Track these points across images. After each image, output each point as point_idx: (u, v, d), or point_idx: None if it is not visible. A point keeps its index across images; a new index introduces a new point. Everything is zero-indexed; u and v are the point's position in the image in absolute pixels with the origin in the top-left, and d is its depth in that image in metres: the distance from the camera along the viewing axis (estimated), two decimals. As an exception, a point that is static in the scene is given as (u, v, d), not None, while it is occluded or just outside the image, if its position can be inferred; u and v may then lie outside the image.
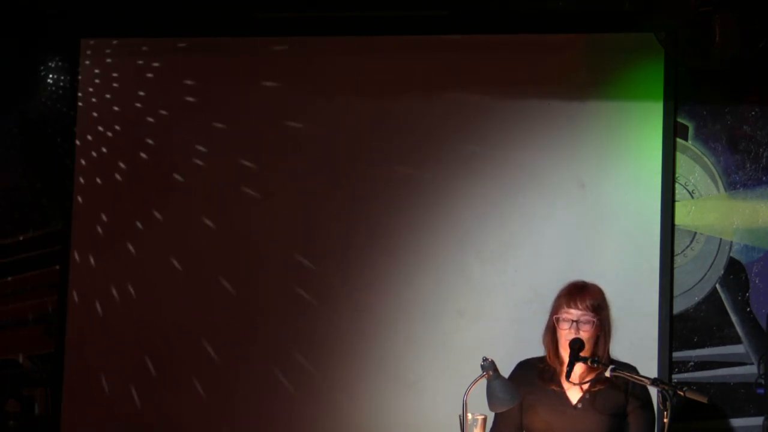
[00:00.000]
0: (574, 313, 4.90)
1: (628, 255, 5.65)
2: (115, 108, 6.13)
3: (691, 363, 5.64)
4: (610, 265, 5.63)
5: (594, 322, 4.89)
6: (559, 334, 4.94)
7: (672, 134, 5.68)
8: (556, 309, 4.96)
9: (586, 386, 4.95)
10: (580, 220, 5.71)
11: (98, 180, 6.12)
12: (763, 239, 5.62)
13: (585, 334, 4.87)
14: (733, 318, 5.63)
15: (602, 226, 5.69)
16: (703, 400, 4.73)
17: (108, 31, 6.14)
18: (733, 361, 5.61)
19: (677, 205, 5.68)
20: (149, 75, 6.11)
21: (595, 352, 4.89)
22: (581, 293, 4.93)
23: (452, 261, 5.80)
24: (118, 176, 6.11)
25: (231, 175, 6.00)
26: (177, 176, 6.05)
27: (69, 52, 6.19)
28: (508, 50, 5.82)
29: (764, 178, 5.65)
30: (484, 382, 4.83)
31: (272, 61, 6.01)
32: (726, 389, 5.60)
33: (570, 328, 4.89)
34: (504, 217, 5.77)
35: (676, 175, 5.69)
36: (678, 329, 5.64)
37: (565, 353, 4.93)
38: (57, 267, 6.15)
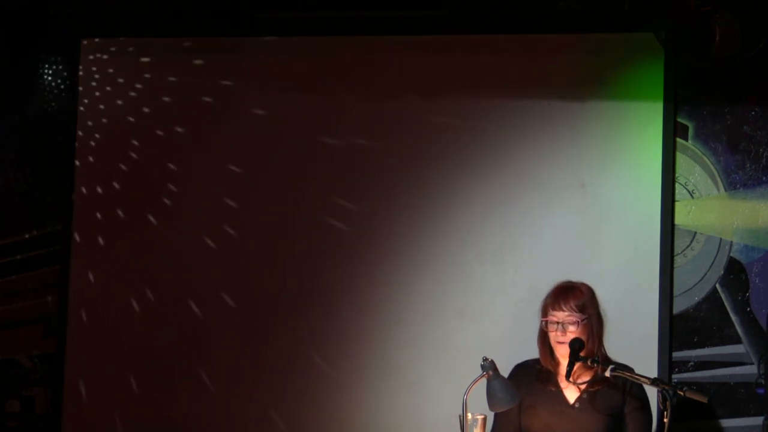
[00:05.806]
0: (559, 315, 4.91)
1: (628, 255, 5.65)
2: (115, 108, 6.13)
3: (691, 363, 5.64)
4: (610, 265, 5.63)
5: (580, 321, 4.89)
6: (549, 337, 4.95)
7: (672, 134, 5.68)
8: (543, 313, 4.97)
9: (583, 386, 4.95)
10: (580, 220, 5.71)
11: (98, 180, 6.12)
12: (763, 239, 5.62)
13: (573, 335, 4.87)
14: (733, 318, 5.63)
15: (602, 226, 5.69)
16: (703, 400, 4.73)
17: (108, 31, 6.14)
18: (733, 361, 5.60)
19: (677, 205, 5.68)
20: (149, 75, 6.11)
21: (588, 349, 4.89)
22: (565, 295, 4.93)
23: (452, 261, 5.80)
24: (118, 176, 6.10)
25: (232, 174, 6.00)
26: (178, 176, 6.05)
27: (69, 52, 6.19)
28: (508, 50, 5.82)
29: (764, 178, 5.65)
30: (484, 382, 4.83)
31: (272, 60, 6.01)
32: (726, 389, 5.60)
33: (557, 330, 4.90)
34: (504, 217, 5.77)
35: (676, 175, 5.69)
36: (678, 329, 5.64)
37: (559, 355, 4.94)
38: (57, 267, 6.15)
